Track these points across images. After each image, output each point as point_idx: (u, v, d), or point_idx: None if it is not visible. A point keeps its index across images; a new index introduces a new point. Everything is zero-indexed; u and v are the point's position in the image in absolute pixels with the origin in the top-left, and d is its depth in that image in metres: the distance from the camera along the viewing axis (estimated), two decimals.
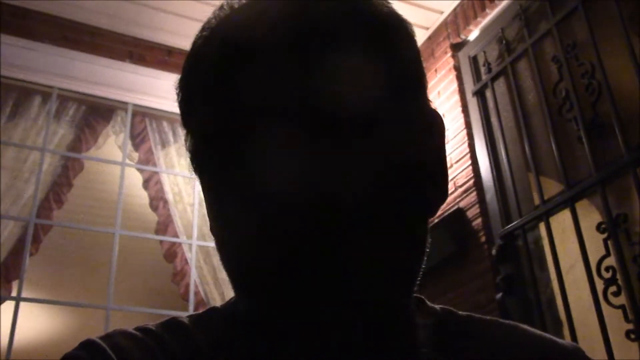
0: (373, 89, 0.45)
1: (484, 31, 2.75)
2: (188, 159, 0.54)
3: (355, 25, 0.46)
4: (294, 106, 0.44)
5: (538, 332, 0.59)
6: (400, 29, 0.50)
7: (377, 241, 0.43)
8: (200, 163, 0.52)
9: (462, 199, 2.60)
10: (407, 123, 0.47)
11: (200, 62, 0.51)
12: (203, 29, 0.52)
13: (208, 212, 0.53)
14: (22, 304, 2.36)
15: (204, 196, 0.54)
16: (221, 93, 0.48)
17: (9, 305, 2.37)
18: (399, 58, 0.48)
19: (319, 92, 0.44)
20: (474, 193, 2.54)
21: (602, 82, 2.04)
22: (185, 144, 0.53)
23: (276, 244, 0.43)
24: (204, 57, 0.51)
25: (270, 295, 0.45)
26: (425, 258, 0.48)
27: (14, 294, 2.40)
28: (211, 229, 0.53)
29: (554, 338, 0.59)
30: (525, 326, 0.60)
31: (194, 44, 0.53)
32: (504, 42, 2.57)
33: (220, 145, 0.48)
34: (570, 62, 2.20)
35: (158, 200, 2.81)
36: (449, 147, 2.76)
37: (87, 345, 0.49)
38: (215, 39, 0.50)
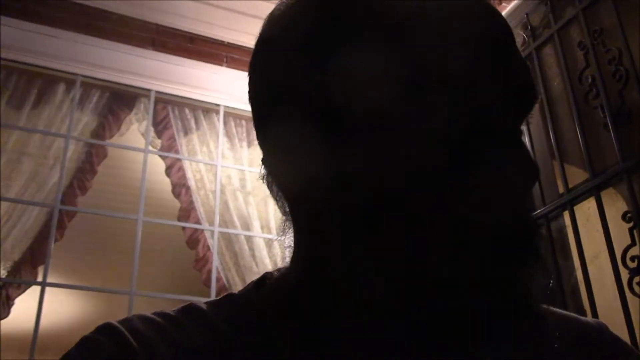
0: (390, 85, 0.44)
1: (508, 16, 2.71)
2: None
3: (378, 20, 0.45)
4: (308, 100, 0.45)
5: (559, 310, 0.59)
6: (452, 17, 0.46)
7: (386, 243, 0.43)
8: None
9: None
10: (429, 120, 0.44)
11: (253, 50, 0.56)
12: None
13: None
14: (47, 289, 2.40)
15: None
16: (252, 79, 0.53)
17: (34, 290, 2.41)
18: (423, 53, 0.44)
19: (334, 87, 0.44)
20: None
21: (630, 69, 2.00)
22: None
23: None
24: (257, 49, 0.55)
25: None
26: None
27: (39, 279, 2.44)
28: None
29: (577, 315, 0.59)
30: (545, 305, 0.59)
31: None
32: (529, 27, 2.54)
33: (255, 126, 0.53)
34: (597, 48, 2.16)
35: (180, 187, 2.83)
36: None
37: (105, 329, 0.49)
38: (260, 32, 0.55)
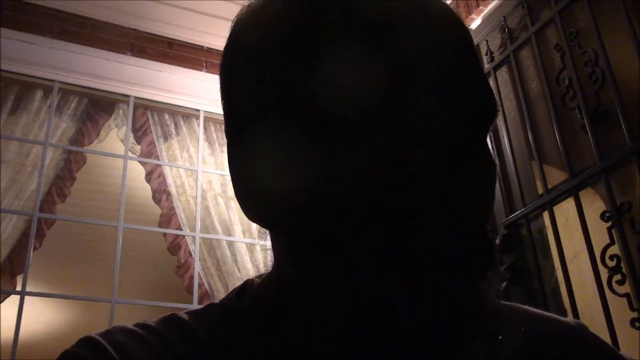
0: (375, 87, 0.44)
1: (486, 20, 2.74)
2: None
3: (359, 21, 0.45)
4: (295, 104, 0.44)
5: (539, 311, 0.60)
6: (412, 21, 0.47)
7: (381, 241, 0.43)
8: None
9: None
10: (412, 120, 0.45)
11: (222, 57, 0.54)
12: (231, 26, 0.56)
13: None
14: (26, 298, 2.37)
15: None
16: (229, 88, 0.51)
17: (13, 300, 2.38)
18: (406, 54, 0.45)
19: (321, 90, 0.44)
20: None
21: (606, 70, 2.03)
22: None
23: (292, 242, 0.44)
24: (223, 52, 0.54)
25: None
26: None
27: (18, 288, 2.41)
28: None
29: (557, 316, 0.60)
30: (525, 306, 0.60)
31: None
32: (506, 30, 2.56)
33: (230, 135, 0.51)
34: (573, 50, 2.19)
35: (161, 193, 2.81)
36: None
37: (86, 342, 0.48)
38: (230, 37, 0.53)
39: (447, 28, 0.47)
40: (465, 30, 0.49)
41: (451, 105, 0.44)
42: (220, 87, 0.53)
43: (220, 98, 0.54)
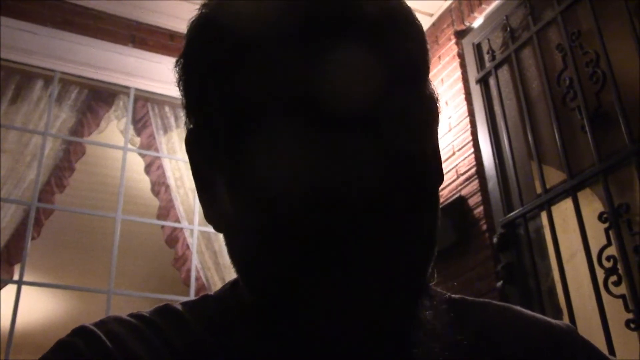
0: (377, 81, 0.44)
1: (488, 18, 2.74)
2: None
3: (360, 17, 0.46)
4: (297, 100, 0.44)
5: (531, 312, 0.60)
6: (405, 18, 0.50)
7: (387, 232, 0.43)
8: (198, 151, 0.52)
9: (464, 187, 2.59)
10: (409, 113, 0.46)
11: (198, 51, 0.50)
12: (201, 13, 0.52)
13: (204, 200, 0.53)
14: (23, 288, 2.37)
15: (198, 183, 0.53)
16: (221, 85, 0.48)
17: (10, 289, 2.38)
18: (403, 49, 0.47)
19: (323, 86, 0.43)
20: (476, 181, 2.54)
21: (607, 71, 2.03)
22: (185, 126, 0.54)
23: (287, 240, 0.43)
24: (202, 45, 0.50)
25: (282, 291, 0.45)
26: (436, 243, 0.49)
27: (15, 277, 2.41)
28: (207, 218, 0.53)
29: (548, 318, 0.60)
30: (518, 307, 0.60)
31: (192, 28, 0.52)
32: (508, 29, 2.56)
33: (222, 137, 0.48)
34: (575, 51, 2.19)
35: (160, 185, 2.81)
36: (451, 135, 2.76)
37: (81, 332, 0.48)
38: (215, 26, 0.49)
39: (414, 30, 0.51)
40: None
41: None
42: (203, 85, 0.49)
43: (200, 96, 0.50)
